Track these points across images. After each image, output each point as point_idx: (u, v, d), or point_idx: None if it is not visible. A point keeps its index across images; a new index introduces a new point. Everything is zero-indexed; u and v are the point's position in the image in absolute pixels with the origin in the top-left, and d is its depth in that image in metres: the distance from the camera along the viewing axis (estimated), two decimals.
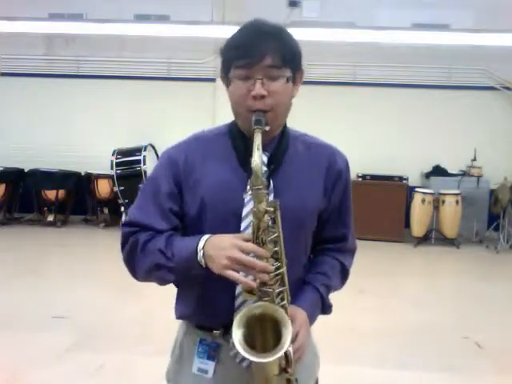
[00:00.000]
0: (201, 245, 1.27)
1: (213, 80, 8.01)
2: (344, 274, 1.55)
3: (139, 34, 7.63)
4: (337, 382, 3.39)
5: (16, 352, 3.58)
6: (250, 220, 1.28)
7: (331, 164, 1.45)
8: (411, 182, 7.82)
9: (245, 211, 1.34)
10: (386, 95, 8.03)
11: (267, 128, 1.29)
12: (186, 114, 8.04)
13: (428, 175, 7.94)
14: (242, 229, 1.34)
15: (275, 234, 1.27)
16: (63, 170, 7.96)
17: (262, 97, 1.30)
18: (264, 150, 1.33)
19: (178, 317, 1.50)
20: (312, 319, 1.43)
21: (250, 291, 1.25)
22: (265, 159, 1.37)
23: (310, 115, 7.94)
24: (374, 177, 7.73)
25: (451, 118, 8.02)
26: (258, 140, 1.25)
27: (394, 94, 8.05)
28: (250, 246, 1.23)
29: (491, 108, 8.01)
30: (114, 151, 7.49)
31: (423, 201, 7.39)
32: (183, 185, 1.39)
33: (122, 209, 7.56)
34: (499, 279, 5.99)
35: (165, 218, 1.38)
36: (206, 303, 1.39)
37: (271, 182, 1.36)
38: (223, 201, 1.35)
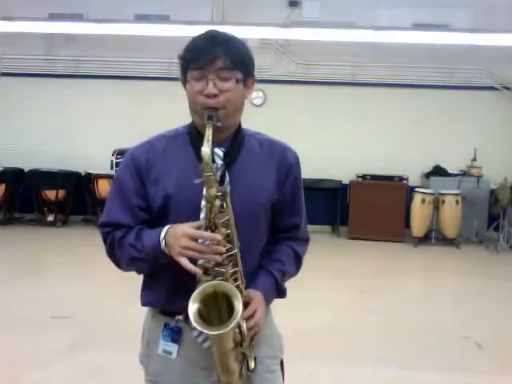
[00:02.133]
0: (162, 235, 1.41)
1: None
2: (298, 261, 1.67)
3: (139, 34, 7.63)
4: (337, 382, 3.40)
5: (16, 352, 3.58)
6: (204, 196, 1.39)
7: (282, 159, 1.58)
8: (411, 182, 7.82)
9: (203, 203, 1.43)
10: (385, 95, 8.03)
11: (218, 124, 1.43)
12: (186, 114, 8.00)
13: (428, 175, 7.94)
14: (200, 219, 1.44)
15: (226, 218, 1.39)
16: (63, 169, 7.97)
17: (214, 95, 1.44)
18: (220, 145, 1.49)
19: (144, 304, 1.64)
20: (267, 301, 1.55)
21: (205, 272, 1.38)
22: (221, 154, 1.50)
23: (309, 115, 7.96)
24: (373, 177, 7.73)
25: (451, 118, 8.01)
26: (208, 132, 1.39)
27: (394, 94, 8.05)
28: (199, 232, 1.37)
29: (491, 108, 8.01)
30: (114, 151, 7.49)
31: (423, 201, 7.39)
32: (146, 180, 1.51)
33: None
34: (499, 279, 5.99)
35: (133, 214, 1.52)
36: (170, 291, 1.50)
37: (227, 175, 1.48)
38: (183, 194, 1.47)
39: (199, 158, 1.42)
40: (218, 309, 1.39)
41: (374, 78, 7.99)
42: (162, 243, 1.40)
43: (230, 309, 1.35)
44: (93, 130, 8.24)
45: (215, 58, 1.43)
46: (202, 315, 1.34)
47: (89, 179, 7.85)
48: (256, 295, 1.49)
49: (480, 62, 7.80)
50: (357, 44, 7.62)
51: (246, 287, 1.47)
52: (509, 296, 5.29)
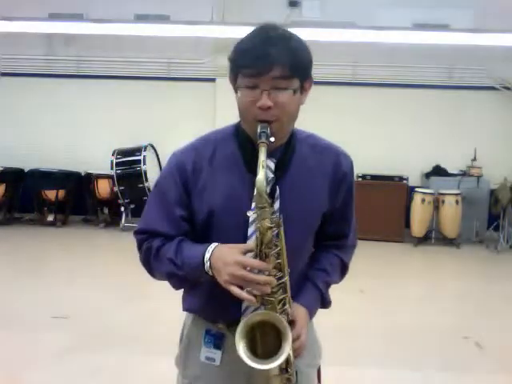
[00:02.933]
0: (207, 256, 1.32)
1: (213, 80, 8.00)
2: (343, 269, 1.63)
3: (139, 34, 7.63)
4: (337, 382, 3.40)
5: (16, 352, 3.58)
6: (257, 226, 1.31)
7: (336, 167, 1.48)
8: (411, 182, 7.81)
9: (252, 217, 1.35)
10: (385, 95, 8.02)
11: (272, 139, 1.31)
12: (185, 114, 8.04)
13: (428, 175, 7.93)
14: (249, 234, 1.37)
15: (278, 248, 1.31)
16: (63, 170, 7.96)
17: (268, 108, 1.30)
18: (271, 155, 1.36)
19: (186, 309, 1.55)
20: (312, 315, 1.51)
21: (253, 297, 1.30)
22: (272, 166, 1.39)
23: (309, 115, 7.92)
24: (373, 177, 7.73)
25: (451, 118, 8.01)
26: (262, 156, 1.27)
27: (394, 94, 8.04)
28: (251, 262, 1.28)
29: (491, 108, 8.00)
30: (114, 151, 7.48)
31: (423, 201, 7.39)
32: (191, 190, 1.41)
33: (122, 209, 7.56)
34: (499, 279, 5.98)
35: (175, 225, 1.42)
36: (214, 300, 1.41)
37: (277, 188, 1.39)
38: (230, 208, 1.39)
39: (248, 167, 1.36)
40: (263, 335, 1.33)
41: (374, 78, 7.98)
42: (207, 264, 1.32)
43: (276, 335, 1.30)
44: (93, 130, 8.24)
45: (271, 66, 1.28)
46: (247, 345, 1.29)
47: (89, 179, 7.84)
48: (301, 314, 1.43)
49: (480, 61, 7.80)
50: (357, 44, 7.61)
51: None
52: (509, 296, 5.29)
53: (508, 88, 7.94)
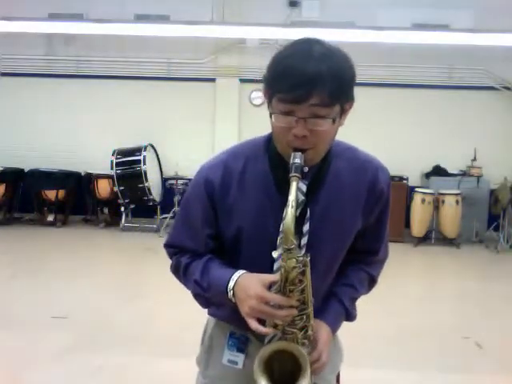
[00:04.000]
0: (231, 284, 1.31)
1: (213, 80, 8.00)
2: (371, 282, 1.59)
3: (139, 34, 7.63)
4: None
5: (16, 352, 3.58)
6: (282, 265, 1.26)
7: (374, 182, 1.42)
8: (411, 182, 7.81)
9: (279, 240, 1.32)
10: (385, 95, 8.03)
11: (306, 169, 1.25)
12: (186, 114, 8.03)
13: (428, 175, 7.93)
14: (276, 256, 1.34)
15: (303, 284, 1.27)
16: (63, 170, 7.96)
17: (304, 136, 1.21)
18: (303, 177, 1.28)
19: (210, 314, 1.55)
20: (335, 331, 1.51)
21: (275, 326, 1.29)
22: (304, 188, 1.32)
23: None
24: None
25: (451, 118, 8.01)
26: (292, 193, 1.19)
27: (394, 94, 8.05)
28: (273, 297, 1.24)
29: (491, 108, 8.00)
30: (114, 151, 7.48)
31: (423, 201, 7.39)
32: (219, 206, 1.37)
33: (122, 209, 7.56)
34: (499, 279, 5.98)
35: (201, 243, 1.42)
36: (239, 312, 1.37)
37: (308, 210, 1.33)
38: (258, 228, 1.36)
39: (278, 187, 1.33)
40: (281, 360, 1.32)
41: (374, 78, 7.97)
42: (230, 293, 1.31)
43: (294, 362, 1.29)
44: (93, 130, 8.24)
45: (310, 93, 1.16)
46: (266, 376, 1.29)
47: (89, 179, 7.84)
48: (323, 333, 1.40)
49: (480, 61, 7.80)
50: (357, 44, 7.60)
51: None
52: (509, 296, 5.29)
53: (508, 88, 7.94)
